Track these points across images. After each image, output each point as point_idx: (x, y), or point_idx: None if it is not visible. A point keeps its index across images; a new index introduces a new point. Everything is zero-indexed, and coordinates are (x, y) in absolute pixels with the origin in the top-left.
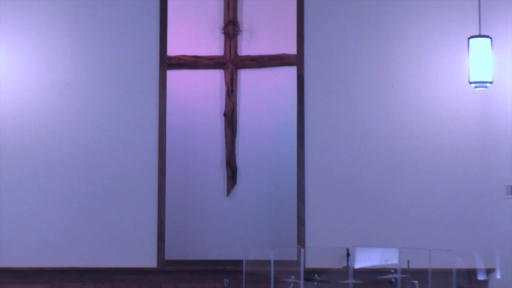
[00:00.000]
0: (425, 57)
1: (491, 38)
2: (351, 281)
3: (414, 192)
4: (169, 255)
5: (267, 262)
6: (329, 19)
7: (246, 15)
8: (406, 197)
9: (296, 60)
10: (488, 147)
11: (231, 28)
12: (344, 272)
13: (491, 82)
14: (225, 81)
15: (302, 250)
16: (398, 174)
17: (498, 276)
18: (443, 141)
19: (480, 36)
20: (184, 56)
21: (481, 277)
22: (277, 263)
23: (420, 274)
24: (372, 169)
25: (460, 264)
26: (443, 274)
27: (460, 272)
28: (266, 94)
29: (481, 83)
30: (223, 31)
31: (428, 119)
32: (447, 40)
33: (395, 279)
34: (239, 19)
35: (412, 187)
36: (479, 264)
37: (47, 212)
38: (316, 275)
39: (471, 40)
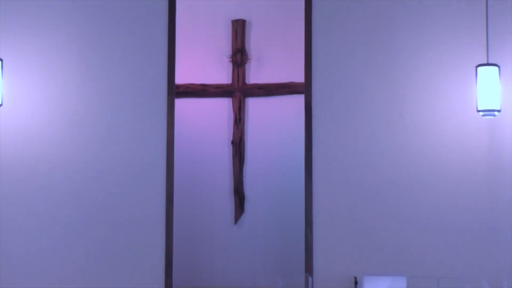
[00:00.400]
0: (433, 85)
1: (499, 66)
2: None
3: (422, 221)
4: (177, 283)
5: None
6: (337, 47)
7: (254, 43)
8: (414, 226)
9: (304, 89)
10: (496, 176)
11: (239, 56)
12: None
13: (499, 111)
14: (233, 109)
15: (310, 278)
16: (406, 204)
17: None
18: (450, 169)
19: (488, 64)
20: (192, 84)
21: None
22: None
23: None
24: (380, 198)
25: None
26: None
27: None
28: (274, 123)
29: (489, 112)
30: (231, 60)
31: (436, 148)
32: (455, 68)
33: None
34: (247, 47)
35: (420, 216)
36: None
37: (53, 241)
38: None
39: (479, 68)
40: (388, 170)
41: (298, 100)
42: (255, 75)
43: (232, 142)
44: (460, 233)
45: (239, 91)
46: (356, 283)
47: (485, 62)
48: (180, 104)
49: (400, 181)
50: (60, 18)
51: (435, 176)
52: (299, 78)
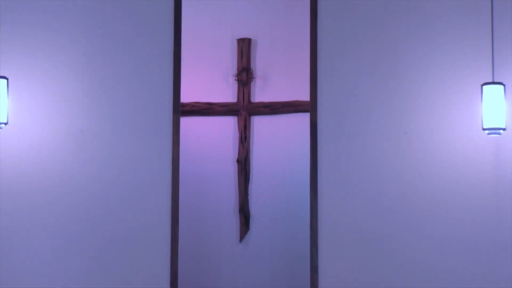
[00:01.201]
0: (438, 104)
1: (504, 85)
2: None
3: (430, 239)
4: None
5: None
6: (343, 67)
7: (260, 62)
8: (422, 243)
9: (310, 107)
10: (501, 193)
11: (244, 75)
12: None
13: (504, 129)
14: (238, 127)
15: None
16: (412, 221)
17: None
18: (456, 187)
19: (493, 83)
20: (198, 103)
21: None
22: None
23: None
24: (386, 216)
25: None
26: None
27: None
28: (279, 141)
29: (494, 130)
30: (236, 78)
31: (442, 166)
32: (460, 87)
33: None
34: (252, 66)
35: (426, 234)
36: None
37: (58, 259)
38: None
39: (484, 86)
40: (395, 188)
41: (304, 119)
42: (260, 94)
43: (238, 161)
44: (469, 250)
45: (244, 109)
46: None
47: (490, 80)
48: (186, 122)
49: (407, 199)
50: (66, 37)
51: (442, 193)
52: (305, 96)
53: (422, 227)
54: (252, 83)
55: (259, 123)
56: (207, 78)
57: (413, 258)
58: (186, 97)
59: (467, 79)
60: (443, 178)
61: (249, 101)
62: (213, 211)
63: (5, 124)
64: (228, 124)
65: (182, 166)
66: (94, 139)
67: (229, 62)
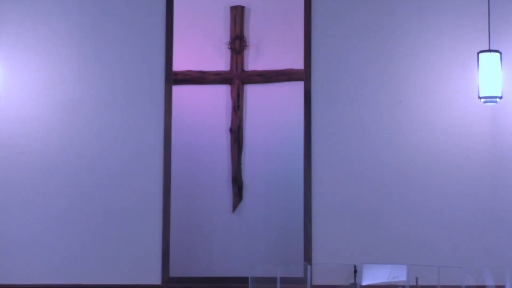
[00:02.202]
0: (434, 72)
1: (500, 52)
2: None
3: (423, 209)
4: (174, 273)
5: (274, 280)
6: (337, 34)
7: (253, 30)
8: (415, 214)
9: (304, 76)
10: (498, 163)
11: (237, 43)
12: None
13: (500, 97)
14: (232, 96)
15: (309, 267)
16: (406, 191)
17: None
18: (452, 157)
19: (489, 50)
20: (190, 71)
21: None
22: (284, 280)
23: None
24: (380, 186)
25: (470, 281)
26: None
27: None
28: (273, 110)
29: (490, 98)
30: (229, 46)
31: (437, 135)
32: (456, 55)
33: None
34: (245, 34)
35: (421, 204)
36: (489, 282)
37: (51, 229)
38: None
39: (480, 54)
40: (389, 158)
41: (298, 87)
42: (254, 62)
43: (231, 130)
44: (463, 222)
45: (237, 78)
46: (355, 271)
47: (486, 48)
48: (178, 91)
49: (401, 168)
50: (57, 5)
51: (437, 163)
52: (299, 65)
53: (417, 197)
54: (245, 52)
55: (252, 92)
56: (200, 46)
57: (408, 228)
58: (178, 65)
59: (463, 47)
60: (438, 147)
61: (243, 70)
62: (206, 181)
63: None
64: (221, 93)
65: (175, 135)
66: (85, 108)
67: (222, 30)
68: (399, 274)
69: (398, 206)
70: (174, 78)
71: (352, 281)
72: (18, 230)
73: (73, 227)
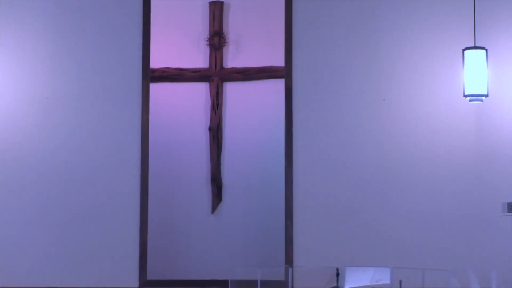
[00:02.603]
0: (418, 69)
1: (486, 49)
2: None
3: (407, 210)
4: (152, 275)
5: (254, 283)
6: (318, 30)
7: (233, 26)
8: (398, 215)
9: (284, 73)
10: (484, 163)
11: (216, 39)
12: None
13: (486, 95)
14: (210, 94)
15: (290, 270)
16: (390, 191)
17: None
18: (436, 156)
19: (475, 47)
20: (168, 68)
21: None
22: (264, 283)
23: None
24: (363, 186)
25: (455, 284)
26: None
27: None
28: (253, 108)
29: (476, 96)
30: (208, 43)
31: (421, 134)
32: (441, 52)
33: None
34: (225, 30)
35: (404, 204)
36: (475, 284)
37: (24, 231)
38: None
39: (466, 51)
40: (372, 157)
41: (278, 85)
42: (233, 59)
43: (210, 129)
44: (447, 222)
45: (216, 75)
46: (338, 274)
47: (472, 45)
48: (156, 89)
49: (385, 168)
50: (30, 2)
51: (422, 162)
52: (279, 62)
53: (400, 198)
54: (224, 48)
55: (232, 89)
56: (178, 43)
57: (391, 229)
58: (156, 62)
59: (448, 44)
60: (422, 146)
61: (222, 67)
62: (184, 181)
63: None
64: (200, 91)
65: (152, 134)
66: (60, 106)
67: (201, 26)
68: (383, 277)
69: (381, 206)
70: (151, 76)
71: (334, 284)
72: None
73: (47, 228)
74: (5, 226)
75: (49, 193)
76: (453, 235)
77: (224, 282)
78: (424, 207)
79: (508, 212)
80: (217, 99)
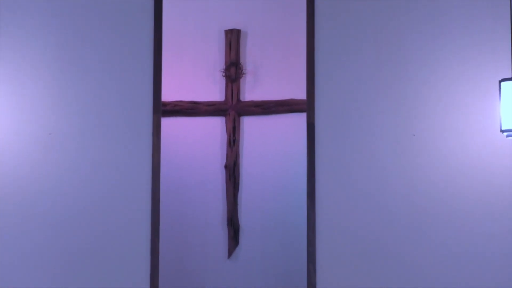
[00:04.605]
0: (450, 102)
1: None
2: None
3: (438, 253)
4: None
5: None
6: (343, 61)
7: (250, 56)
8: (429, 258)
9: (306, 107)
10: None
11: (233, 70)
12: None
13: None
14: (227, 129)
15: None
16: (420, 233)
17: None
18: (471, 195)
19: None
20: (181, 102)
21: None
22: None
23: None
24: (391, 228)
25: None
26: None
27: None
28: (272, 144)
29: None
30: (224, 74)
31: (454, 172)
32: (475, 84)
33: None
34: (242, 60)
35: (435, 247)
36: None
37: (26, 274)
38: None
39: (502, 83)
40: (402, 197)
41: (300, 119)
42: (251, 91)
43: (226, 166)
44: (480, 264)
45: (233, 109)
46: None
47: (509, 76)
48: (167, 123)
49: (416, 209)
50: (30, 28)
51: (455, 201)
52: (301, 94)
53: (433, 241)
54: (241, 80)
55: (249, 124)
56: (191, 74)
57: (419, 272)
58: (167, 95)
59: (482, 75)
60: (455, 185)
61: (239, 100)
62: (198, 223)
63: None
64: (215, 126)
65: (163, 172)
66: (64, 143)
67: (216, 56)
68: None
69: (412, 248)
70: (163, 109)
71: None
72: None
73: (47, 273)
74: (5, 270)
75: (52, 236)
76: (488, 279)
77: None
78: (456, 250)
79: None
80: (234, 135)
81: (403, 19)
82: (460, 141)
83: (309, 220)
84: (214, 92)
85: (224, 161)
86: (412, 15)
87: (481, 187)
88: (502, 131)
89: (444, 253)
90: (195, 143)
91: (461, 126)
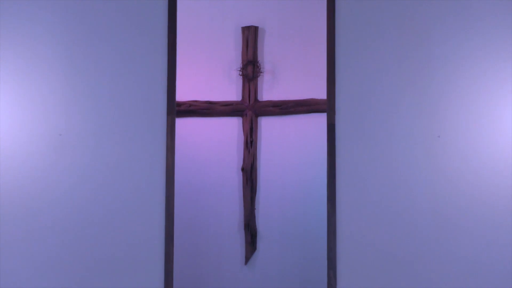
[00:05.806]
0: (477, 101)
1: None
2: None
3: (464, 262)
4: None
5: None
6: (365, 59)
7: (268, 54)
8: (454, 267)
9: (327, 107)
10: None
11: (250, 69)
12: None
13: None
14: (243, 130)
15: None
16: (445, 240)
17: None
18: (500, 202)
19: None
20: (196, 101)
21: None
22: None
23: None
24: (415, 234)
25: None
26: None
27: None
28: (291, 146)
29: None
30: (241, 73)
31: (482, 176)
32: (503, 81)
33: None
34: (259, 59)
35: (462, 256)
36: None
37: (35, 284)
38: None
39: None
40: (426, 201)
41: (320, 120)
42: (269, 91)
43: (242, 169)
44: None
45: (250, 109)
46: None
47: None
48: (182, 124)
49: (441, 214)
50: (42, 27)
51: (483, 209)
52: (321, 94)
53: (457, 247)
54: (259, 79)
55: (267, 124)
56: (207, 73)
57: (444, 282)
58: (182, 95)
59: (509, 72)
60: (483, 190)
61: (256, 100)
62: (214, 228)
63: None
64: (232, 126)
65: (178, 175)
66: (75, 145)
67: (232, 54)
68: None
69: (436, 257)
70: (177, 110)
71: None
72: (1, 278)
73: (60, 281)
74: (16, 277)
75: (64, 241)
76: None
77: None
78: (484, 260)
79: None
80: (251, 136)
81: (427, 15)
82: (487, 143)
83: (330, 225)
84: (231, 91)
85: (241, 164)
86: (436, 11)
87: (509, 191)
88: None
89: (471, 266)
90: (210, 144)
91: (488, 127)
